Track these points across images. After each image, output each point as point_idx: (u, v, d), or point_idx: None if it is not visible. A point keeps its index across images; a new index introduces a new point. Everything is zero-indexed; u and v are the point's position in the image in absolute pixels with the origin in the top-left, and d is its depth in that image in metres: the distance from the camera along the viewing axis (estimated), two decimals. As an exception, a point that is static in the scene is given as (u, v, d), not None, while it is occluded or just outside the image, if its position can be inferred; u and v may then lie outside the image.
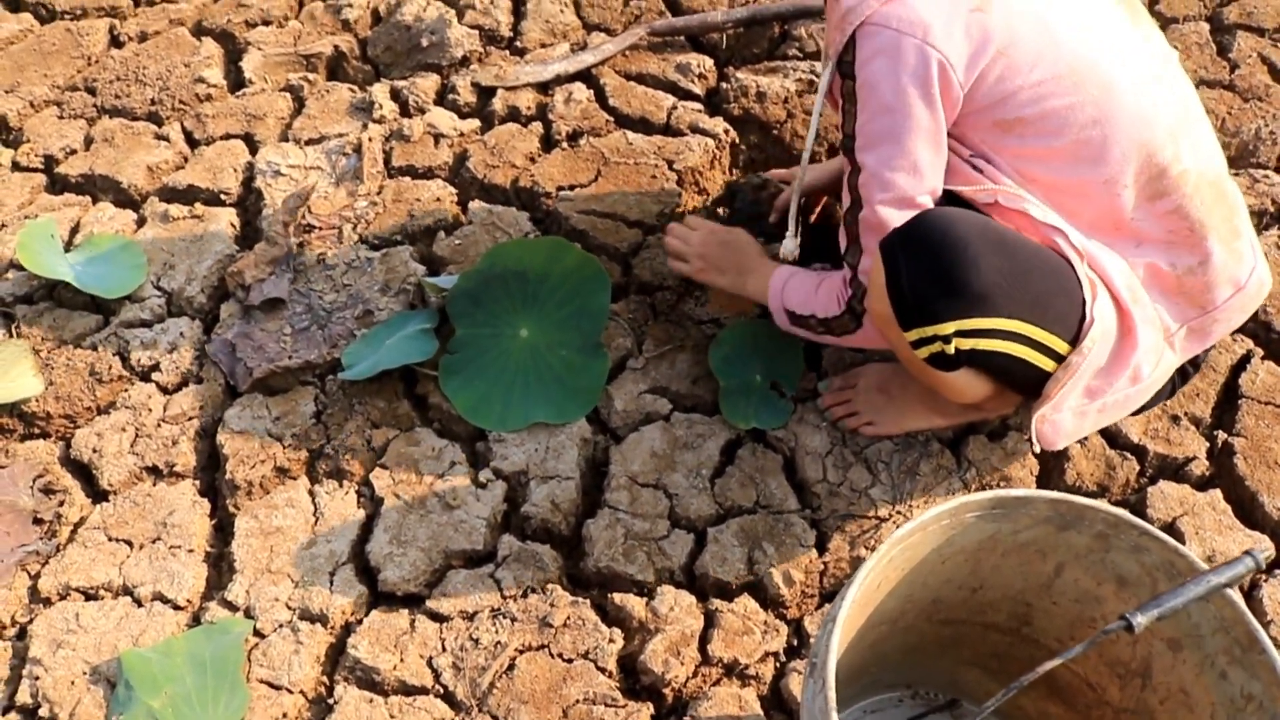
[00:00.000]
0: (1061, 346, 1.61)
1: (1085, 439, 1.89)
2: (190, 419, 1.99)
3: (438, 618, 1.72)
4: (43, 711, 1.63)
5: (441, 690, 1.65)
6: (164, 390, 2.04)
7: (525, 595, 1.74)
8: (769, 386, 1.98)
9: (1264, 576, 1.75)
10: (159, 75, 2.64)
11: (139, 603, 1.75)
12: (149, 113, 2.58)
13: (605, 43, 2.62)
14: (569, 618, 1.71)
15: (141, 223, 2.33)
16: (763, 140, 2.46)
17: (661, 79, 2.57)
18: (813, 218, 2.19)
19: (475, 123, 2.50)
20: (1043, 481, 1.89)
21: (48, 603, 1.76)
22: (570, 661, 1.67)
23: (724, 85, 2.54)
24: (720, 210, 2.31)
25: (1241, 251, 1.70)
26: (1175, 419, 1.95)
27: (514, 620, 1.70)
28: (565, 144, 2.42)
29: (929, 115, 1.57)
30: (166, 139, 2.51)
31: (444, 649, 1.68)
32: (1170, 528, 1.81)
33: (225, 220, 2.31)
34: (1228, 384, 2.01)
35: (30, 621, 1.74)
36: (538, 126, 2.47)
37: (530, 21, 2.72)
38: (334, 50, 2.69)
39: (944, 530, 1.32)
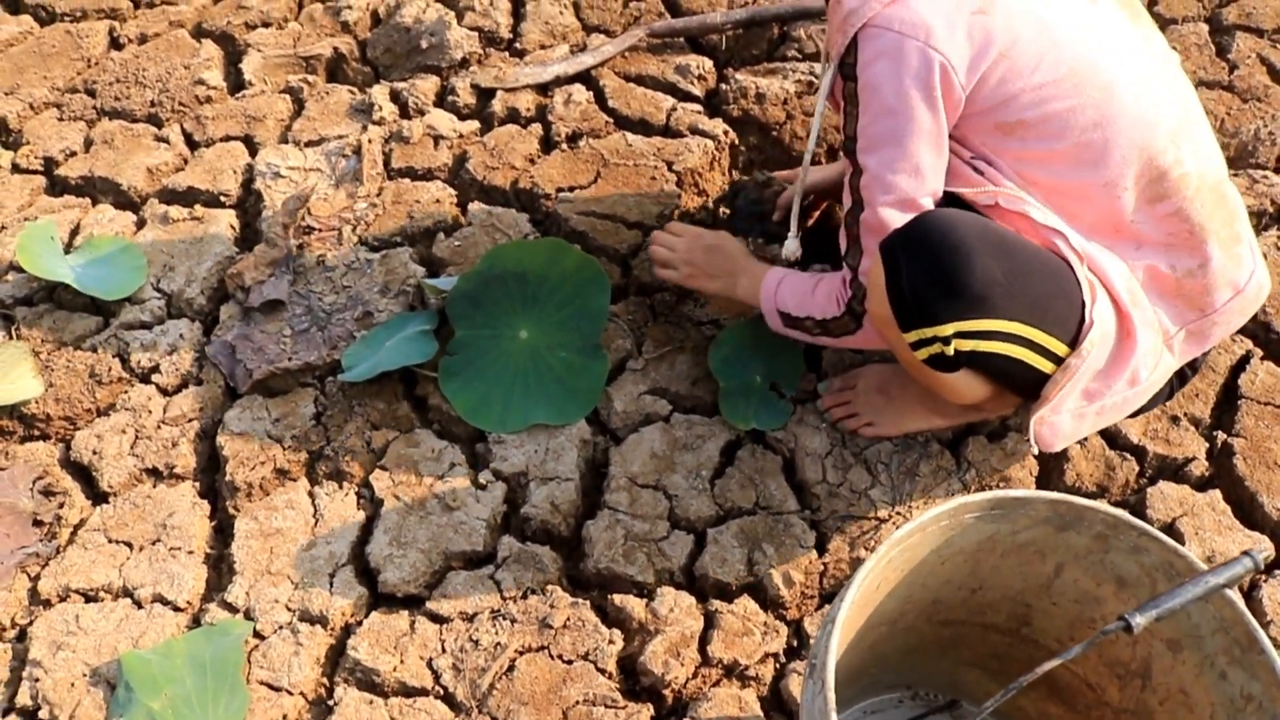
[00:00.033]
0: (1060, 349, 1.61)
1: (1084, 440, 1.89)
2: (190, 421, 1.99)
3: (438, 619, 1.72)
4: (43, 713, 1.63)
5: (441, 691, 1.65)
6: (164, 392, 2.04)
7: (525, 596, 1.74)
8: (768, 387, 1.98)
9: (1263, 577, 1.75)
10: (159, 77, 2.64)
11: (139, 604, 1.75)
12: (149, 114, 2.58)
13: (604, 44, 2.63)
14: (569, 619, 1.71)
15: (141, 224, 2.33)
16: (762, 141, 2.46)
17: (661, 80, 2.57)
18: (811, 220, 2.19)
19: (475, 124, 2.50)
20: (1042, 482, 1.89)
21: (48, 604, 1.76)
22: (570, 663, 1.67)
23: (723, 87, 2.55)
24: (721, 209, 2.31)
25: (1241, 255, 1.70)
26: (1175, 419, 1.95)
27: (514, 621, 1.70)
28: (565, 145, 2.43)
29: (931, 117, 1.57)
30: (166, 141, 2.51)
31: (444, 650, 1.68)
32: (1170, 528, 1.81)
33: (225, 222, 2.32)
34: (1227, 384, 2.01)
35: (30, 623, 1.74)
36: (537, 128, 2.47)
37: (530, 23, 2.72)
38: (333, 52, 2.70)
39: (943, 531, 1.32)
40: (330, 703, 1.64)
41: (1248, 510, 1.85)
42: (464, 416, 1.96)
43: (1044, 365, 1.62)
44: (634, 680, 1.67)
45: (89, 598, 1.77)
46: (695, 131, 2.43)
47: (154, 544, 1.82)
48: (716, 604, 1.73)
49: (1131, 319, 1.65)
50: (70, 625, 1.72)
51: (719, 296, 2.02)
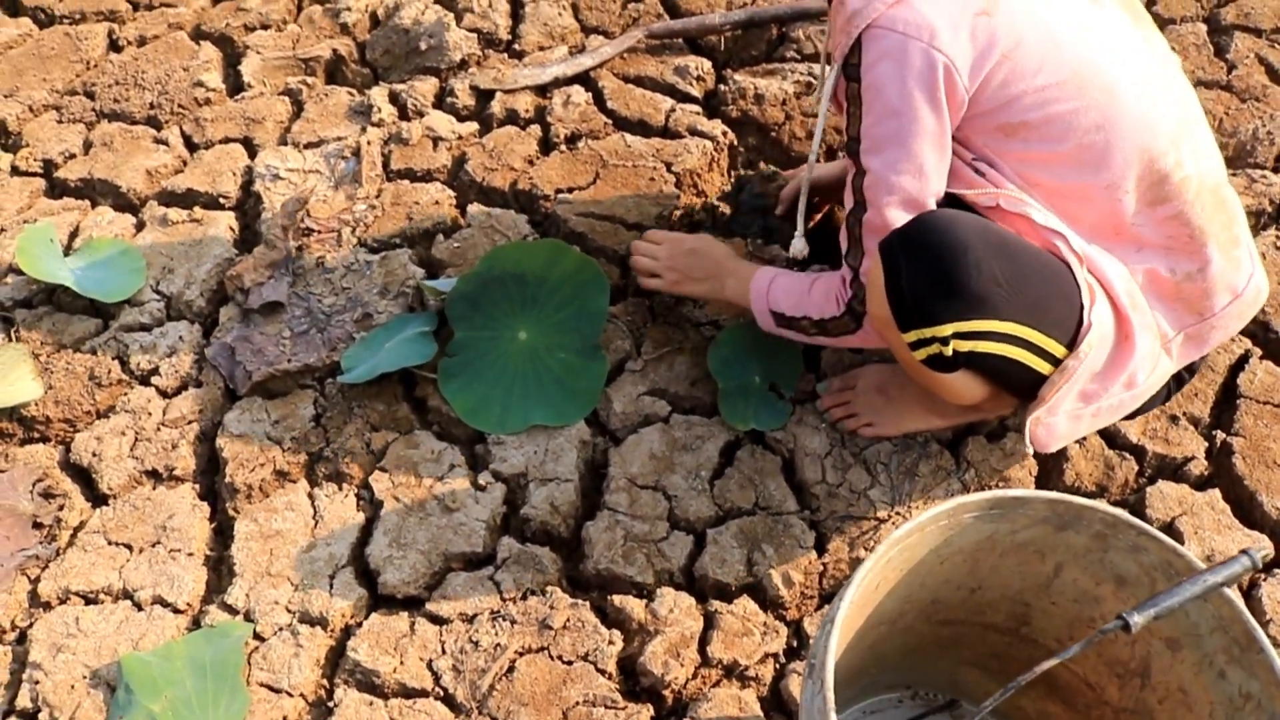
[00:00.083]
0: (1059, 350, 1.61)
1: (1084, 439, 1.89)
2: (190, 423, 1.99)
3: (437, 620, 1.72)
4: (43, 715, 1.63)
5: (441, 693, 1.65)
6: (163, 394, 2.04)
7: (525, 597, 1.74)
8: (768, 388, 1.98)
9: (1263, 576, 1.75)
10: (158, 79, 2.64)
11: (139, 606, 1.75)
12: (148, 117, 2.58)
13: (603, 45, 2.63)
14: (569, 620, 1.71)
15: (140, 227, 2.33)
16: (761, 142, 2.46)
17: (660, 81, 2.57)
18: (813, 222, 2.20)
19: (474, 126, 2.50)
20: (1041, 482, 1.89)
21: (47, 607, 1.76)
22: (570, 663, 1.67)
23: (722, 87, 2.55)
24: (721, 208, 2.32)
25: (1240, 259, 1.70)
26: (1174, 419, 1.95)
27: (514, 622, 1.70)
28: (564, 147, 2.43)
29: (934, 119, 1.57)
30: (165, 143, 2.51)
31: (444, 651, 1.68)
32: (1169, 528, 1.81)
33: (224, 224, 2.32)
34: (1226, 384, 2.01)
35: (30, 626, 1.74)
36: (536, 129, 2.47)
37: (528, 24, 2.73)
38: (332, 54, 2.70)
39: (942, 531, 1.32)
40: (330, 704, 1.64)
41: (1247, 509, 1.85)
42: (463, 418, 1.96)
43: (1042, 366, 1.62)
44: (634, 681, 1.67)
45: (89, 600, 1.77)
46: (694, 132, 2.44)
47: (154, 546, 1.82)
48: (716, 604, 1.73)
49: (1130, 322, 1.65)
50: (70, 627, 1.72)
51: (707, 299, 2.03)
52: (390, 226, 2.28)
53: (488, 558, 1.80)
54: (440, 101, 2.57)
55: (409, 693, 1.65)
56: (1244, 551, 1.15)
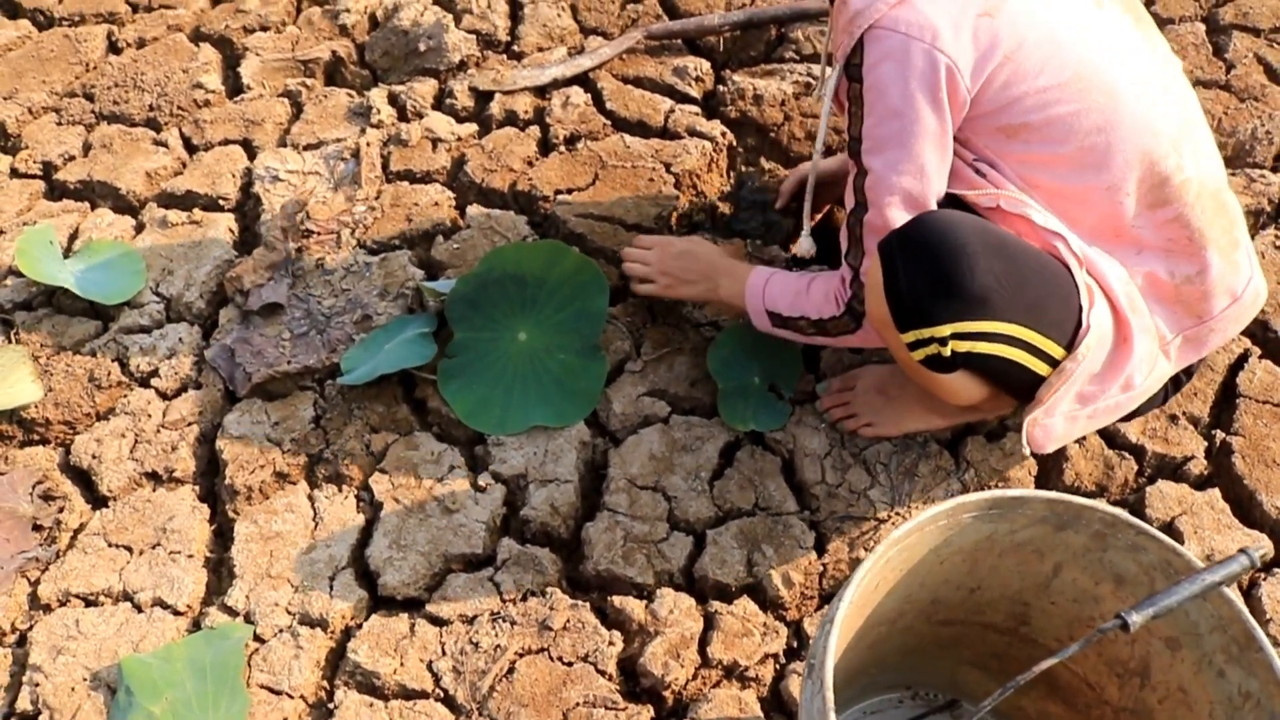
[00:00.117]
0: (1057, 351, 1.61)
1: (1083, 439, 1.89)
2: (189, 424, 1.99)
3: (437, 621, 1.72)
4: (43, 718, 1.63)
5: (442, 694, 1.65)
6: (163, 396, 2.04)
7: (525, 598, 1.74)
8: (767, 388, 1.98)
9: (1263, 575, 1.75)
10: (157, 81, 2.65)
11: (139, 608, 1.75)
12: (147, 119, 2.58)
13: (602, 46, 2.63)
14: (569, 621, 1.71)
15: (140, 229, 2.33)
16: (760, 143, 2.46)
17: (659, 82, 2.57)
18: (813, 221, 2.19)
19: (473, 127, 2.50)
20: (1041, 482, 1.89)
21: (48, 609, 1.76)
22: (570, 664, 1.67)
23: (721, 88, 2.55)
24: (721, 208, 2.32)
25: (1239, 262, 1.70)
26: (1173, 418, 1.95)
27: (514, 623, 1.71)
28: (563, 148, 2.43)
29: (936, 120, 1.57)
30: (165, 145, 2.51)
31: (444, 653, 1.68)
32: (1169, 527, 1.81)
33: (224, 226, 2.32)
34: (1226, 383, 2.01)
35: (30, 628, 1.74)
36: (535, 130, 2.47)
37: (527, 26, 2.73)
38: (332, 55, 2.70)
39: (941, 531, 1.33)
40: (330, 706, 1.64)
41: (1246, 509, 1.85)
42: (463, 419, 1.96)
43: (1040, 367, 1.62)
44: (634, 682, 1.67)
45: (89, 602, 1.77)
46: (693, 133, 2.44)
47: (154, 548, 1.83)
48: (716, 605, 1.73)
49: (1129, 324, 1.65)
50: (70, 630, 1.72)
51: (702, 301, 2.03)
52: (390, 228, 2.29)
53: (488, 559, 1.80)
54: (439, 103, 2.57)
55: (409, 694, 1.65)
56: (1242, 550, 1.15)
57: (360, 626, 1.72)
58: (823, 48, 1.80)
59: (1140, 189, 1.62)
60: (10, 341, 2.12)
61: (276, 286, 2.15)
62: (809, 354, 2.04)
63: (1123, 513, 1.30)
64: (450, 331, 2.06)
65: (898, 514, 1.83)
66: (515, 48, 2.69)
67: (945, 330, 1.54)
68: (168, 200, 2.39)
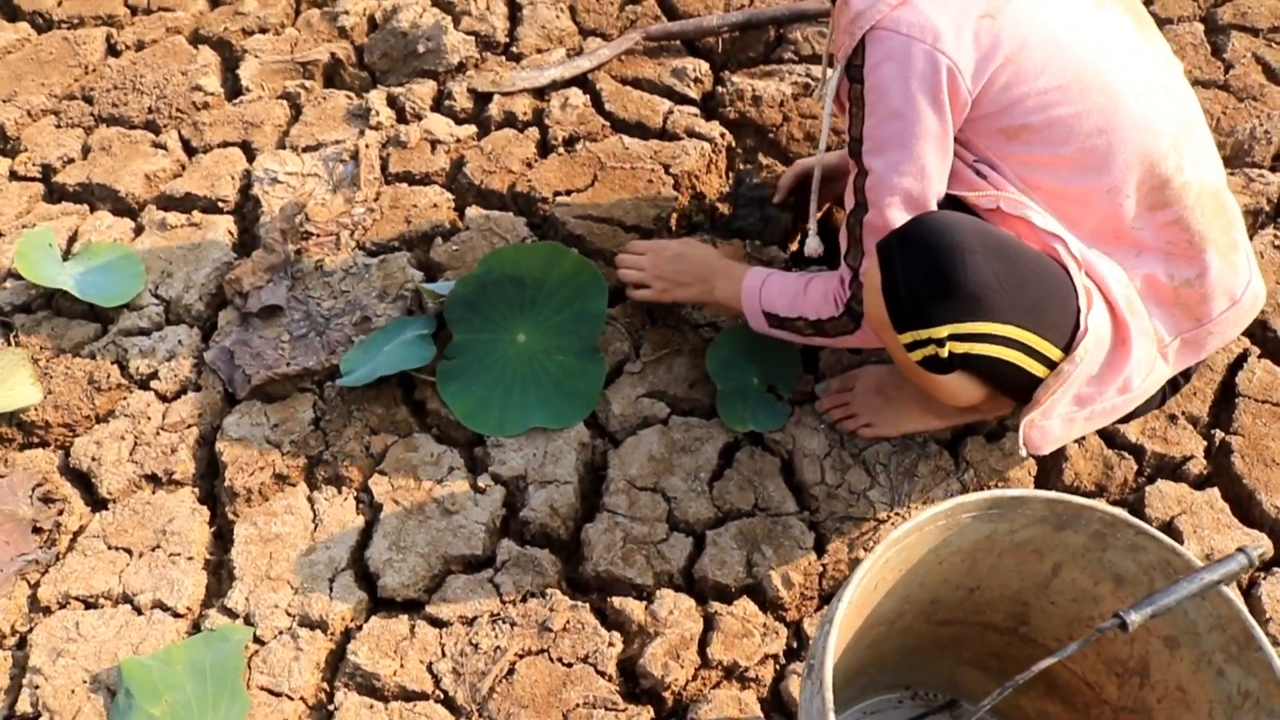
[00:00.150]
0: (1055, 353, 1.61)
1: (1082, 439, 1.89)
2: (189, 426, 1.99)
3: (437, 623, 1.72)
4: (43, 720, 1.63)
5: (441, 695, 1.65)
6: (163, 398, 2.04)
7: (524, 600, 1.74)
8: (766, 389, 1.98)
9: (1262, 575, 1.75)
10: (156, 84, 2.65)
11: (139, 611, 1.75)
12: (146, 121, 2.59)
13: (601, 48, 2.63)
14: (568, 622, 1.71)
15: (139, 231, 2.33)
16: (759, 144, 2.47)
17: (657, 83, 2.58)
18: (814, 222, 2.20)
19: (472, 129, 2.50)
20: (1041, 482, 1.89)
21: (47, 611, 1.76)
22: (570, 665, 1.67)
23: (720, 89, 2.55)
24: (720, 209, 2.32)
25: (1238, 264, 1.70)
26: (1173, 418, 1.95)
27: (513, 625, 1.71)
28: (562, 149, 2.43)
29: (937, 121, 1.57)
30: (164, 147, 2.51)
31: (444, 654, 1.68)
32: (1168, 527, 1.81)
33: (223, 228, 2.32)
34: (1225, 383, 2.02)
35: (30, 630, 1.74)
36: (534, 132, 2.48)
37: (526, 27, 2.73)
38: (331, 57, 2.70)
39: (940, 531, 1.33)
40: (331, 707, 1.64)
41: (1246, 508, 1.85)
42: (462, 420, 1.96)
43: (1037, 369, 1.62)
44: (634, 682, 1.67)
45: (89, 604, 1.77)
46: (692, 134, 2.44)
47: (153, 550, 1.83)
48: (716, 606, 1.73)
49: (1128, 326, 1.65)
50: (70, 632, 1.72)
51: (698, 302, 2.03)
52: (389, 230, 2.29)
53: (487, 560, 1.80)
54: (438, 104, 2.57)
55: (409, 695, 1.65)
56: (1241, 550, 1.16)
57: (360, 628, 1.72)
58: (824, 48, 1.80)
59: (1140, 191, 1.62)
60: (10, 344, 2.12)
61: (276, 288, 2.16)
62: (808, 355, 2.04)
63: (1122, 512, 1.30)
64: (449, 333, 2.06)
65: (897, 514, 1.83)
66: (514, 49, 2.69)
67: (943, 331, 1.54)
68: (167, 202, 2.39)
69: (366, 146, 2.44)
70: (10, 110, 2.61)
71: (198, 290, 2.20)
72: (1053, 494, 1.32)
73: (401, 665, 1.67)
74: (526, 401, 1.97)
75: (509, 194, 2.34)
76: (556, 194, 2.32)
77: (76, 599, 1.77)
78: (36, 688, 1.66)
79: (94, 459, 1.94)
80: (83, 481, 1.94)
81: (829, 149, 2.37)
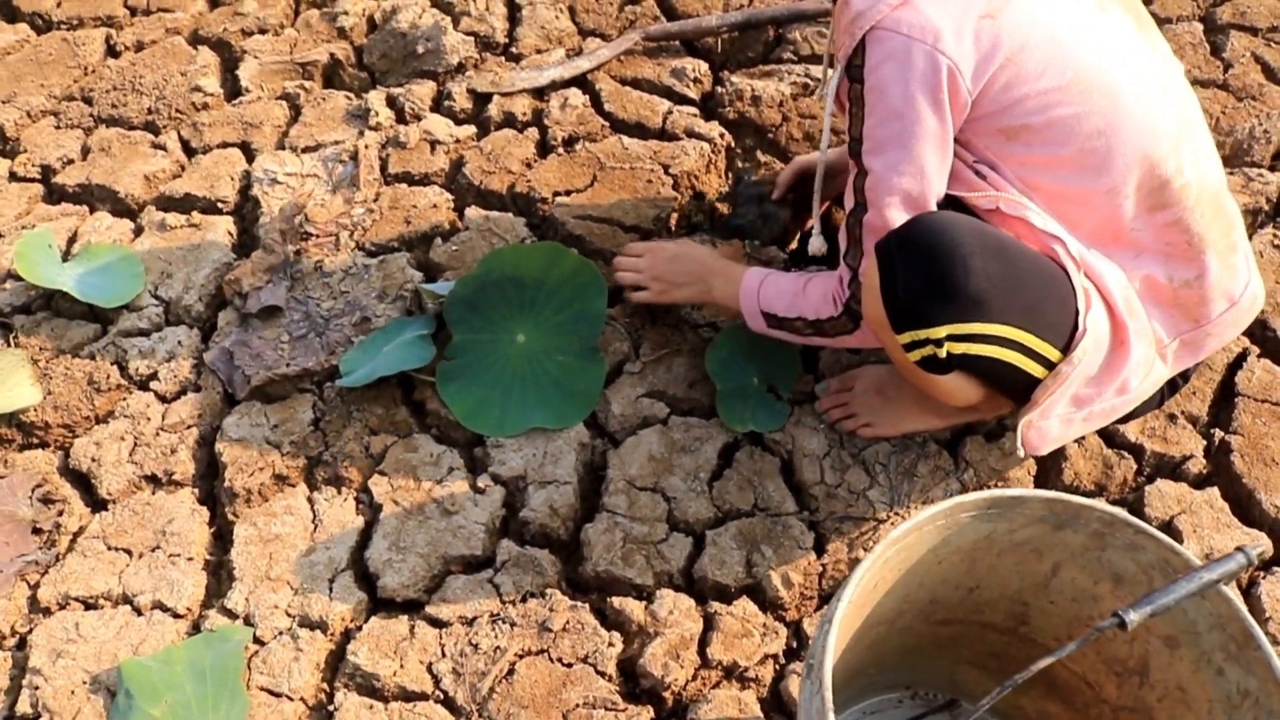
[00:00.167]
0: (1053, 354, 1.61)
1: (1082, 438, 1.89)
2: (189, 427, 1.99)
3: (437, 623, 1.72)
4: (43, 720, 1.63)
5: (441, 696, 1.65)
6: (162, 399, 2.04)
7: (524, 600, 1.74)
8: (766, 389, 1.98)
9: (1262, 574, 1.75)
10: (155, 84, 2.65)
11: (138, 611, 1.76)
12: (146, 122, 2.59)
13: (600, 48, 2.63)
14: (568, 622, 1.71)
15: (139, 232, 2.33)
16: (758, 144, 2.47)
17: (657, 84, 2.58)
18: (808, 222, 2.20)
19: (471, 129, 2.50)
20: (1040, 481, 1.89)
21: (47, 612, 1.76)
22: (570, 666, 1.67)
23: (719, 89, 2.55)
24: (719, 208, 2.32)
25: (1237, 266, 1.70)
26: (1172, 418, 1.95)
27: (513, 625, 1.71)
28: (561, 149, 2.43)
29: (937, 121, 1.57)
30: (163, 148, 2.51)
31: (444, 654, 1.68)
32: (1168, 526, 1.81)
33: (222, 229, 2.32)
34: (1224, 382, 2.02)
35: (30, 631, 1.74)
36: (533, 132, 2.48)
37: (525, 28, 2.73)
38: (330, 58, 2.70)
39: (939, 530, 1.33)
40: (330, 708, 1.65)
41: (1245, 507, 1.85)
42: (462, 421, 1.96)
43: (1035, 370, 1.62)
44: (634, 683, 1.67)
45: (89, 605, 1.77)
46: (691, 134, 2.44)
47: (153, 551, 1.83)
48: (715, 606, 1.73)
49: (1126, 328, 1.65)
50: (70, 633, 1.72)
51: (696, 303, 2.03)
52: (388, 230, 2.29)
53: (487, 560, 1.81)
54: (438, 105, 2.58)
55: (409, 696, 1.65)
56: (1239, 549, 1.16)
57: (360, 628, 1.72)
58: (825, 48, 1.80)
59: (1140, 192, 1.62)
60: (9, 345, 2.12)
61: (275, 289, 2.16)
62: (807, 354, 2.04)
63: (1121, 512, 1.31)
64: (449, 333, 2.06)
65: (897, 514, 1.83)
66: (513, 50, 2.69)
67: (941, 332, 1.54)
68: (166, 203, 2.39)
69: (366, 147, 2.44)
70: (10, 111, 2.61)
71: (197, 291, 2.20)
72: (1051, 493, 1.32)
73: (401, 665, 1.67)
74: (526, 402, 1.97)
75: (508, 194, 2.34)
76: (556, 194, 2.32)
77: (76, 600, 1.77)
78: (36, 689, 1.66)
79: (94, 460, 1.94)
80: (82, 482, 1.94)
81: (829, 148, 2.38)
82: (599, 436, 1.97)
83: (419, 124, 2.49)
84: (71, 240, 2.32)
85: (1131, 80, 1.59)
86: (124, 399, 2.04)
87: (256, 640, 1.71)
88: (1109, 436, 1.92)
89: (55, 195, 2.45)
